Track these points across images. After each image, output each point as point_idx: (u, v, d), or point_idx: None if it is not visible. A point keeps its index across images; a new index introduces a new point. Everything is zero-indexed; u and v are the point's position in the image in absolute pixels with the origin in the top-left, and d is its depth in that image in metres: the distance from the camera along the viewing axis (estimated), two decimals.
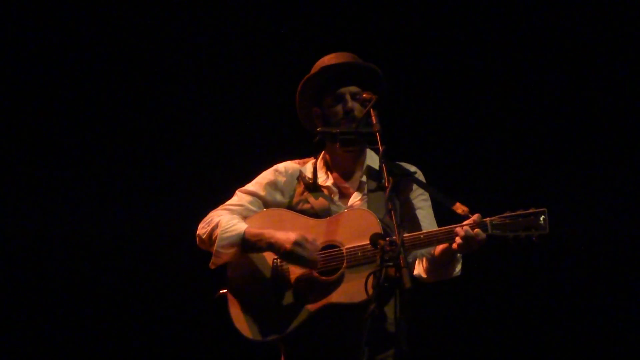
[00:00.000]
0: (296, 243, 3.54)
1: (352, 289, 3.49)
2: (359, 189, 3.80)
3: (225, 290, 3.69)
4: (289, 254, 3.56)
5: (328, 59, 3.81)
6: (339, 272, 3.56)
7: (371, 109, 3.55)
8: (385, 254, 3.07)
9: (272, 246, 3.59)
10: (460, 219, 3.56)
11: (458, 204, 3.59)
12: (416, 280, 3.79)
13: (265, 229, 3.63)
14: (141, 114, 5.39)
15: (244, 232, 3.62)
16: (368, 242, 3.21)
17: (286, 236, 3.57)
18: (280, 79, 5.07)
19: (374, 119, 3.53)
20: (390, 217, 3.20)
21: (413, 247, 3.58)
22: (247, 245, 3.62)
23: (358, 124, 3.62)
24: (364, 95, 3.66)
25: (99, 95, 5.35)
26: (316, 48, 4.04)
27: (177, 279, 5.23)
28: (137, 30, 5.35)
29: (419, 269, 3.81)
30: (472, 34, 5.38)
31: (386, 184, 3.30)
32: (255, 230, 3.63)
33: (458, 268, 3.75)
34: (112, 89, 5.35)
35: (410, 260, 3.77)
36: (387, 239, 3.15)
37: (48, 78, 5.31)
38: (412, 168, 3.87)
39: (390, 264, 3.05)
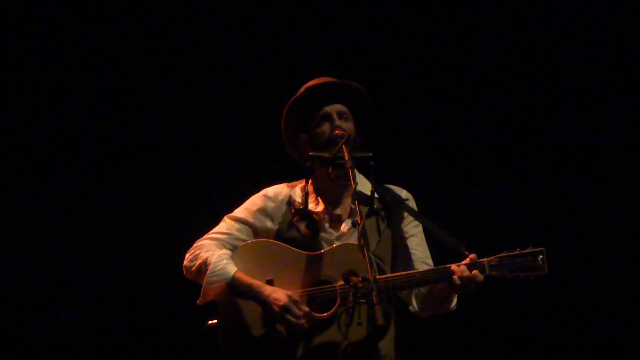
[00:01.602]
0: (283, 308, 3.50)
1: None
2: (350, 215, 3.72)
3: (215, 321, 3.65)
4: (275, 316, 3.52)
5: (311, 83, 3.75)
6: (332, 310, 3.50)
7: (343, 146, 3.50)
8: (358, 291, 3.02)
9: (259, 301, 3.56)
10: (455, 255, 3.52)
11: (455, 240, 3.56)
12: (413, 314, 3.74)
13: (254, 279, 3.58)
14: (129, 133, 5.31)
15: (232, 278, 3.59)
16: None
17: (274, 296, 3.52)
18: (270, 100, 4.96)
19: (346, 156, 3.47)
20: (363, 254, 3.13)
21: (409, 286, 3.53)
22: (235, 290, 3.60)
23: (333, 155, 3.52)
24: (336, 132, 3.60)
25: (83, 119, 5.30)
26: (306, 70, 4.00)
27: (165, 307, 5.19)
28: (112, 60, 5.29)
29: (414, 304, 3.72)
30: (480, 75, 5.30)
31: (359, 220, 3.24)
32: (244, 278, 3.59)
33: (454, 302, 3.67)
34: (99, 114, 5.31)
35: (405, 292, 3.69)
36: (361, 275, 3.09)
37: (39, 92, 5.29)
38: (403, 193, 3.82)
39: (363, 300, 3.00)
